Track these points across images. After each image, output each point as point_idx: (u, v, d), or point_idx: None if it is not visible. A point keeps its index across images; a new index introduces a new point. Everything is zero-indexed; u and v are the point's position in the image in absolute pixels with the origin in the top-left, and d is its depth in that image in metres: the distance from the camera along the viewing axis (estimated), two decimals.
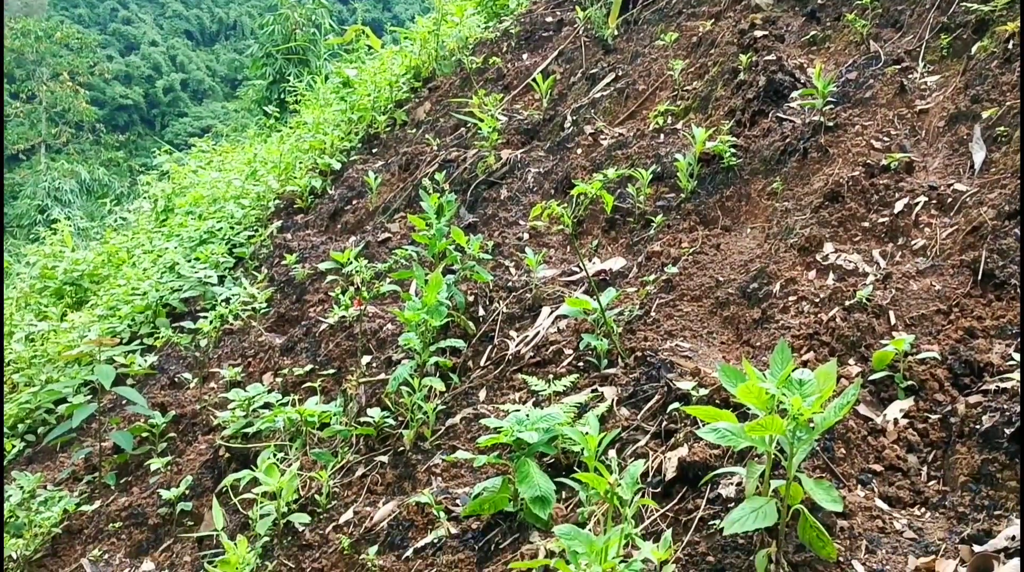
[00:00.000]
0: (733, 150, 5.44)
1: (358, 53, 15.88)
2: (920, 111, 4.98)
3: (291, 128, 13.55)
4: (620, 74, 7.71)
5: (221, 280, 8.51)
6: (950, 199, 4.14)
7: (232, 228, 10.11)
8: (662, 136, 6.36)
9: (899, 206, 4.23)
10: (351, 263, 6.54)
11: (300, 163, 10.85)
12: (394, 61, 12.44)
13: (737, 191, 5.30)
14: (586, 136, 7.02)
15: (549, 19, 10.01)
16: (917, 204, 4.20)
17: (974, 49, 5.08)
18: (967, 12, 5.32)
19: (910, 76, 5.32)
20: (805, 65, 6.16)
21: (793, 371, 2.66)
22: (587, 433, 3.03)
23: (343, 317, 6.11)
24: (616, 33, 8.53)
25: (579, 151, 6.88)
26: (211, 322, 7.27)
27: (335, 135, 10.89)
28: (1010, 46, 4.76)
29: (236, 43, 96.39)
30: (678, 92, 6.81)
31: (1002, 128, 4.33)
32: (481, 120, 7.70)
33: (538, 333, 4.84)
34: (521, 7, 12.06)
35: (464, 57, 10.14)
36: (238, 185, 11.01)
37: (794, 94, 5.71)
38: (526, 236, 6.22)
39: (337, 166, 10.22)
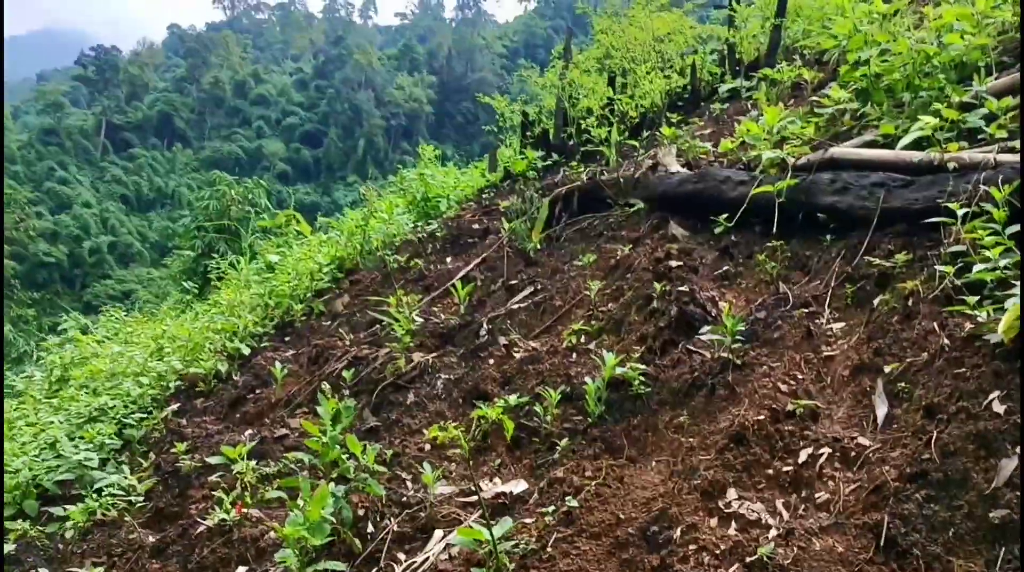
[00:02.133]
0: (643, 378, 5.38)
1: (287, 237, 15.94)
2: (826, 357, 5.03)
3: (208, 305, 13.28)
4: (539, 287, 7.77)
5: (104, 463, 7.95)
6: (854, 453, 4.08)
7: (126, 407, 9.60)
8: (574, 355, 6.31)
9: (803, 456, 4.16)
10: (241, 460, 6.15)
11: (210, 344, 10.52)
12: (320, 249, 12.46)
13: (645, 421, 5.20)
14: (500, 347, 6.94)
15: (475, 226, 10.20)
16: (821, 455, 4.12)
17: (876, 302, 5.23)
18: (870, 265, 5.52)
19: (817, 321, 5.42)
20: (717, 298, 6.27)
21: None
22: None
23: (224, 520, 5.67)
24: (539, 247, 8.69)
25: (492, 361, 6.78)
26: (80, 512, 6.69)
27: (248, 319, 10.66)
28: (910, 303, 4.91)
29: (171, 212, 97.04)
30: (593, 312, 6.85)
31: (903, 384, 4.36)
32: (396, 320, 7.60)
33: (427, 559, 4.51)
34: (451, 211, 12.34)
35: (387, 255, 10.18)
36: (140, 361, 10.58)
37: (705, 329, 5.77)
38: (428, 447, 5.97)
39: (246, 351, 9.93)
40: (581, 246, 8.26)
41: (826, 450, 4.15)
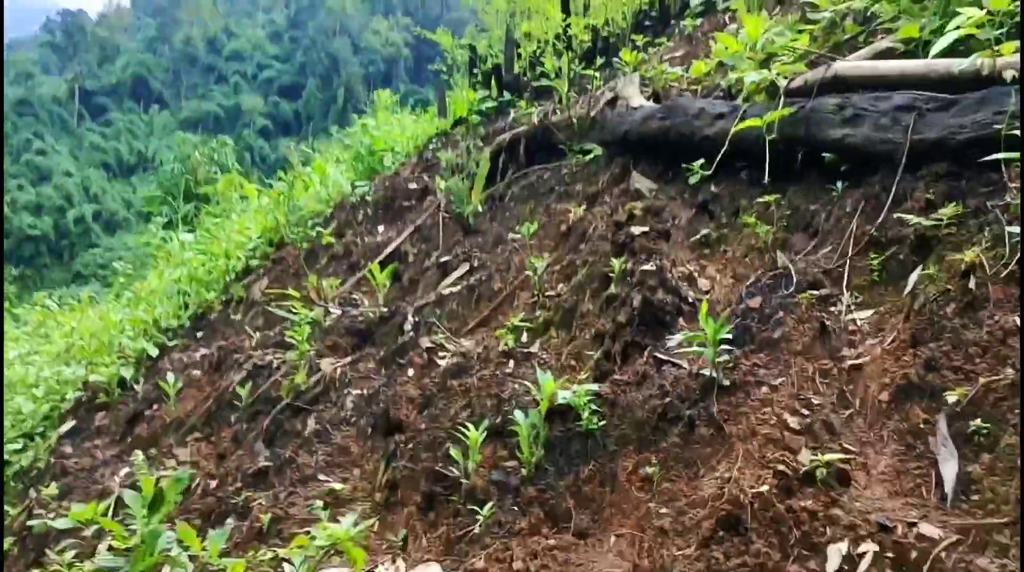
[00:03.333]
0: (595, 406, 3.79)
1: (227, 205, 14.27)
2: (851, 368, 3.43)
3: (131, 293, 11.66)
4: (476, 265, 6.14)
5: None
6: (914, 554, 2.51)
7: (14, 427, 8.05)
8: (511, 363, 4.69)
9: (834, 558, 2.59)
10: (97, 520, 4.60)
11: (118, 343, 8.93)
12: (255, 220, 10.82)
13: (599, 470, 3.61)
14: (422, 351, 5.33)
15: (413, 185, 8.52)
16: (863, 556, 2.55)
17: (916, 278, 3.60)
18: (902, 223, 3.88)
19: (833, 309, 3.81)
20: (695, 274, 4.65)
21: None
22: None
23: None
24: (479, 211, 7.03)
25: (411, 372, 5.18)
26: None
27: (160, 311, 9.05)
28: (971, 284, 3.28)
29: (154, 175, 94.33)
30: (539, 298, 5.23)
31: (978, 422, 2.77)
32: (302, 317, 6.00)
33: None
34: (395, 165, 10.65)
35: (311, 228, 8.54)
36: (40, 368, 9.00)
37: (679, 325, 4.16)
38: (322, 502, 4.40)
39: (154, 352, 8.34)
40: (529, 206, 6.61)
41: (869, 547, 2.57)
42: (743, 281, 4.45)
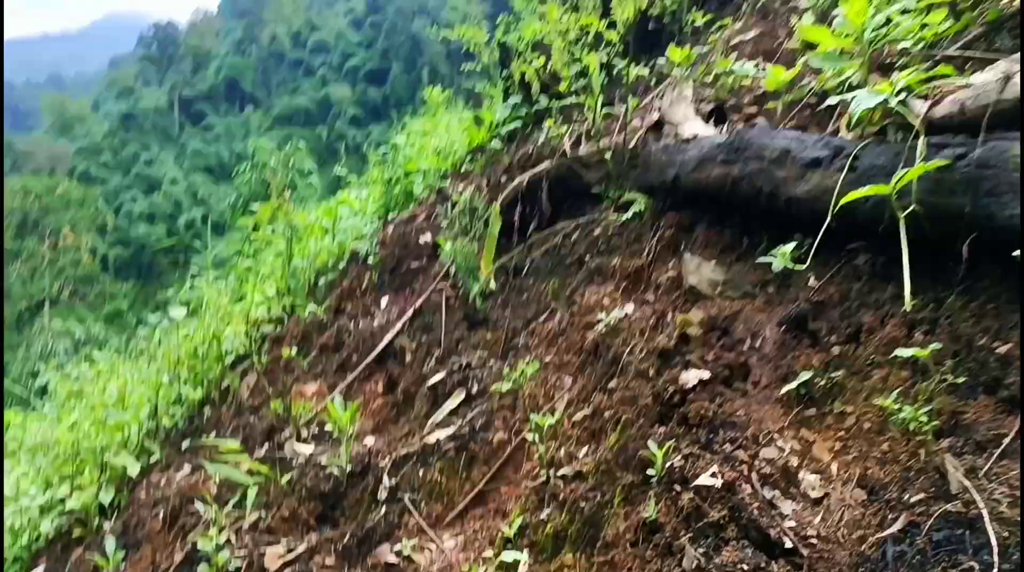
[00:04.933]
0: None
1: (269, 238, 12.75)
2: None
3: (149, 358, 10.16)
4: (475, 390, 4.24)
5: None
6: None
7: None
8: None
9: None
10: None
11: (113, 444, 7.45)
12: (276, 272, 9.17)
13: None
14: (389, 553, 3.49)
15: (425, 237, 6.64)
16: None
17: None
18: None
19: None
20: (795, 467, 2.63)
21: None
22: None
23: None
24: (491, 286, 5.10)
25: None
26: None
27: (148, 408, 7.51)
28: None
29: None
30: (548, 478, 3.29)
31: None
32: (247, 472, 4.27)
33: None
34: (426, 193, 8.83)
35: (301, 304, 6.79)
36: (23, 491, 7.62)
37: None
38: None
39: (135, 470, 6.78)
40: (551, 285, 4.64)
41: None
42: (878, 485, 2.42)
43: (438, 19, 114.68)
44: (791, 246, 3.22)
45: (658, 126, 4.58)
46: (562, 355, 3.95)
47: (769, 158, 3.47)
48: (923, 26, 3.43)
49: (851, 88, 3.53)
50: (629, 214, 4.54)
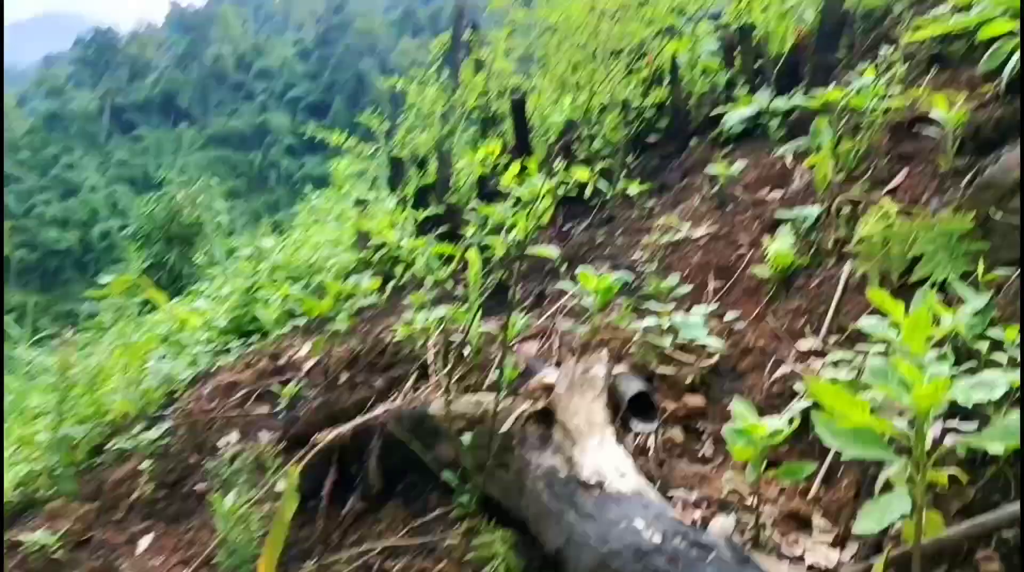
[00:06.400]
0: None
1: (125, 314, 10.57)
2: None
3: None
4: None
5: None
6: None
7: None
8: None
9: None
10: None
11: None
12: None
13: None
14: None
15: (226, 440, 4.71)
16: None
17: None
18: None
19: None
20: None
21: None
22: None
23: None
24: None
25: None
26: None
27: None
28: None
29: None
30: None
31: None
32: None
33: None
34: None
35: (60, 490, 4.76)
36: None
37: None
38: None
39: None
40: None
41: None
42: None
43: (386, 61, 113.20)
44: None
45: (545, 417, 2.81)
46: None
47: None
48: None
49: None
50: (479, 549, 2.73)
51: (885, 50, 4.83)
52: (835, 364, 2.83)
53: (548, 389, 3.13)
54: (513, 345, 3.57)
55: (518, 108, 5.99)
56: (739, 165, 4.50)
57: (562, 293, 4.32)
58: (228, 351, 7.16)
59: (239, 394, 5.26)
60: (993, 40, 3.50)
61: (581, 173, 2.90)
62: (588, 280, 3.34)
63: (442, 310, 3.64)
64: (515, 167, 2.79)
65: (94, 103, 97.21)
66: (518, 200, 3.41)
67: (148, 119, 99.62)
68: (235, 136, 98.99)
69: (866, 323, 2.22)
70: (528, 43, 7.33)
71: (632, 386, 2.95)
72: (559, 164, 4.93)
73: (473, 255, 3.62)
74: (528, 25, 6.94)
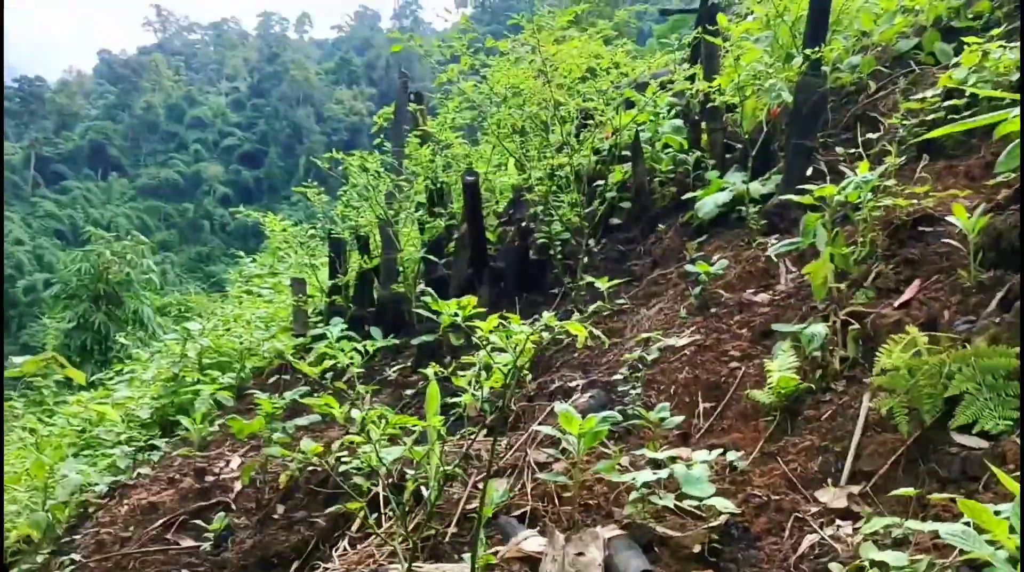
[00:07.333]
0: None
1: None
2: None
3: None
4: None
5: None
6: None
7: None
8: None
9: None
10: None
11: None
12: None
13: None
14: None
15: None
16: None
17: None
18: None
19: None
20: None
21: None
22: None
23: None
24: None
25: None
26: None
27: None
28: None
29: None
30: None
31: None
32: None
33: None
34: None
35: None
36: None
37: None
38: None
39: None
40: None
41: None
42: None
43: (321, 110, 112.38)
44: None
45: None
46: None
47: None
48: None
49: None
50: None
51: (864, 131, 4.49)
52: (874, 538, 2.35)
53: (527, 561, 2.58)
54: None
55: (471, 189, 5.50)
56: (720, 262, 4.08)
57: (534, 410, 3.79)
58: (152, 448, 6.47)
59: (159, 522, 4.57)
60: (1007, 137, 3.14)
61: (574, 327, 2.39)
62: (570, 422, 2.82)
63: (397, 451, 3.08)
64: (492, 320, 2.30)
65: (19, 154, 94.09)
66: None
67: (77, 170, 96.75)
68: (167, 186, 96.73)
69: (946, 531, 1.76)
70: (475, 114, 6.87)
71: (632, 565, 2.43)
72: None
73: (433, 390, 3.08)
74: (476, 95, 6.49)
